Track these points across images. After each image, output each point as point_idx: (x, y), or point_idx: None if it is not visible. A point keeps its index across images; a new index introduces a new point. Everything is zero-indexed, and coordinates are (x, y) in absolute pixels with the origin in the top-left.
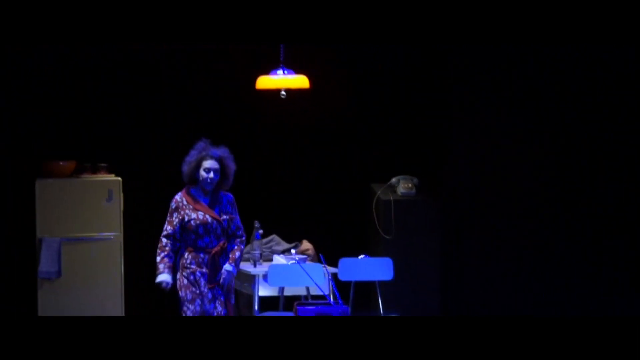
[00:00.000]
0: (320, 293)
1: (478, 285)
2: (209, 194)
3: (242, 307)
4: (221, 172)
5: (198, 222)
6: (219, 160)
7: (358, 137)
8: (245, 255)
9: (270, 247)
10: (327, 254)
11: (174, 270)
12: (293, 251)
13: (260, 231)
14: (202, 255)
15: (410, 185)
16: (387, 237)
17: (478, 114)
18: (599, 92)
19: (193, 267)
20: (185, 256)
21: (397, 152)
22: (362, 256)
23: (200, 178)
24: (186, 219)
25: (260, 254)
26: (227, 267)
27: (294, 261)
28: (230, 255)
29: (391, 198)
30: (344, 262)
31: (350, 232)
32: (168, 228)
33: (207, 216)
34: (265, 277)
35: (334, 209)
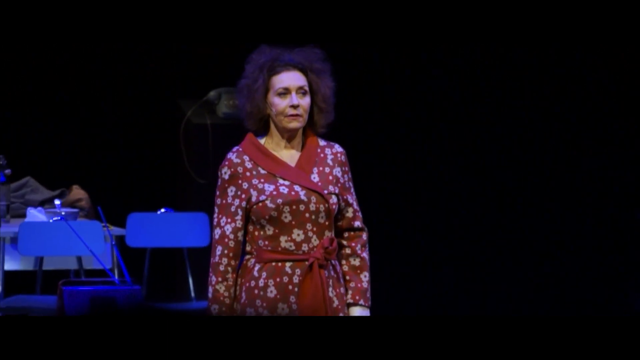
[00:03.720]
0: (99, 266)
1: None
2: (298, 143)
3: None
4: (311, 92)
5: (279, 199)
6: (304, 69)
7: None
8: None
9: (22, 196)
10: (110, 207)
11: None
12: (57, 202)
13: (7, 171)
14: (288, 270)
15: (236, 102)
16: (202, 181)
17: None
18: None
19: (271, 294)
20: (255, 271)
21: (215, 54)
22: (162, 210)
23: (274, 111)
24: (254, 196)
25: (7, 206)
26: (356, 310)
27: (58, 218)
28: (353, 283)
29: (208, 121)
30: (135, 219)
31: (145, 173)
32: (224, 221)
33: (297, 187)
34: (14, 241)
35: (119, 139)
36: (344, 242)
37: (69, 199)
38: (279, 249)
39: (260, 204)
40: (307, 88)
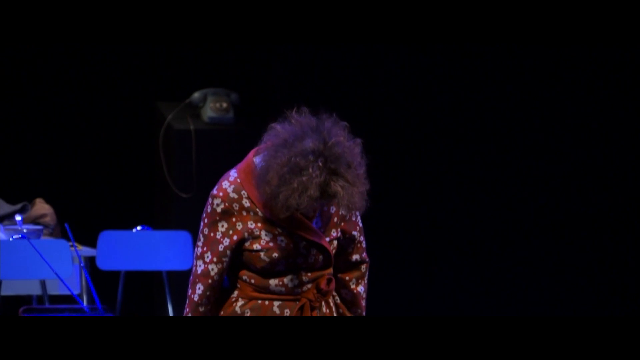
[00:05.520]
0: (66, 292)
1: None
2: None
3: None
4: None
5: (275, 254)
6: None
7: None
8: None
9: None
10: (79, 224)
11: None
12: (18, 217)
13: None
14: (276, 310)
15: (224, 104)
16: (184, 195)
17: None
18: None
19: None
20: (237, 307)
21: (198, 52)
22: (139, 228)
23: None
24: (247, 241)
25: None
26: None
27: (18, 236)
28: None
29: (191, 127)
30: (107, 238)
31: (119, 185)
32: (209, 258)
33: (296, 237)
34: None
35: (90, 146)
36: (339, 275)
37: (32, 214)
38: (267, 290)
39: (253, 253)
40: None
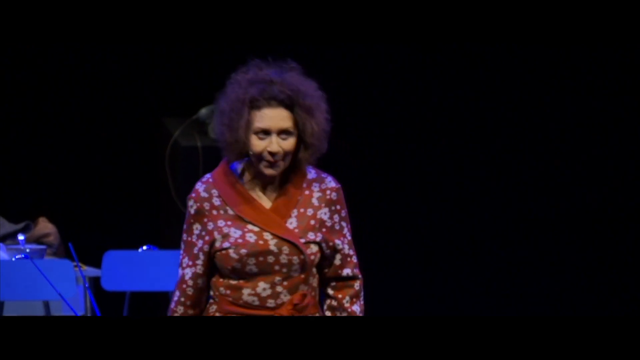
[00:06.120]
0: (70, 313)
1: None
2: (279, 178)
3: None
4: (299, 133)
5: (244, 250)
6: (290, 105)
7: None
8: None
9: None
10: (83, 243)
11: None
12: (21, 237)
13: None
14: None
15: None
16: None
17: None
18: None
19: None
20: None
21: (208, 65)
22: (144, 247)
23: (251, 152)
24: (218, 240)
25: None
26: None
27: (21, 255)
28: None
29: (198, 144)
30: (112, 257)
31: (125, 203)
32: (185, 263)
33: (267, 234)
34: None
35: (94, 163)
36: (330, 293)
37: (35, 233)
38: (241, 302)
39: (223, 252)
40: (292, 129)
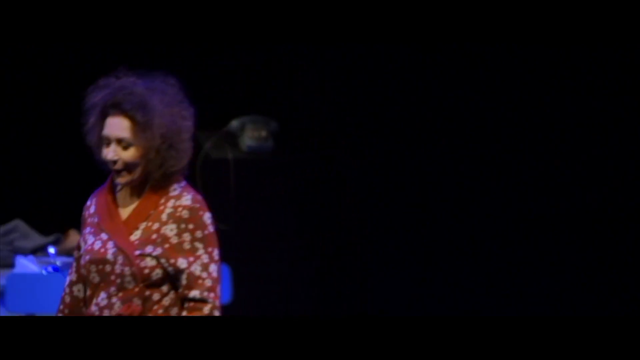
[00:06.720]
0: None
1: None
2: (142, 191)
3: None
4: (142, 141)
5: (88, 256)
6: (131, 115)
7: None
8: None
9: (10, 242)
10: None
11: None
12: (51, 249)
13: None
14: None
15: (263, 133)
16: (223, 226)
17: None
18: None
19: None
20: None
21: (237, 77)
22: None
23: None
24: (82, 248)
25: None
26: None
27: (51, 268)
28: None
29: (230, 156)
30: None
31: None
32: (70, 270)
33: (110, 243)
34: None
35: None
36: (183, 314)
37: (66, 246)
38: (89, 311)
39: (80, 259)
40: (131, 139)
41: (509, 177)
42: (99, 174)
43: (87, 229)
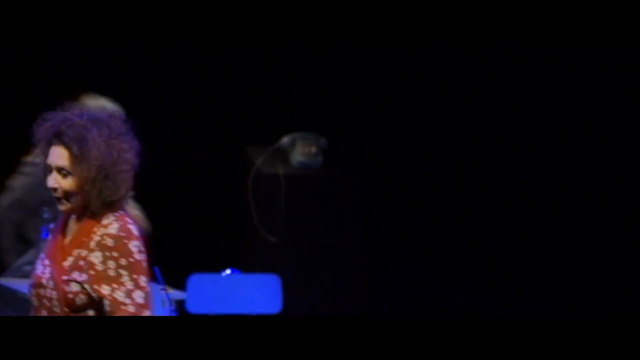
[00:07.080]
0: None
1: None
2: (78, 222)
3: None
4: (79, 172)
5: (31, 280)
6: (68, 145)
7: (220, 64)
8: (27, 267)
9: None
10: (168, 267)
11: None
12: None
13: (52, 225)
14: None
15: (313, 149)
16: (273, 239)
17: None
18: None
19: None
20: None
21: (288, 95)
22: (228, 271)
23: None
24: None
25: None
26: None
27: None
28: None
29: (280, 172)
30: (197, 281)
31: (208, 229)
32: None
33: (48, 269)
34: None
35: (181, 190)
36: None
37: None
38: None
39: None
40: (69, 168)
41: (510, 177)
42: (155, 194)
43: (41, 254)
